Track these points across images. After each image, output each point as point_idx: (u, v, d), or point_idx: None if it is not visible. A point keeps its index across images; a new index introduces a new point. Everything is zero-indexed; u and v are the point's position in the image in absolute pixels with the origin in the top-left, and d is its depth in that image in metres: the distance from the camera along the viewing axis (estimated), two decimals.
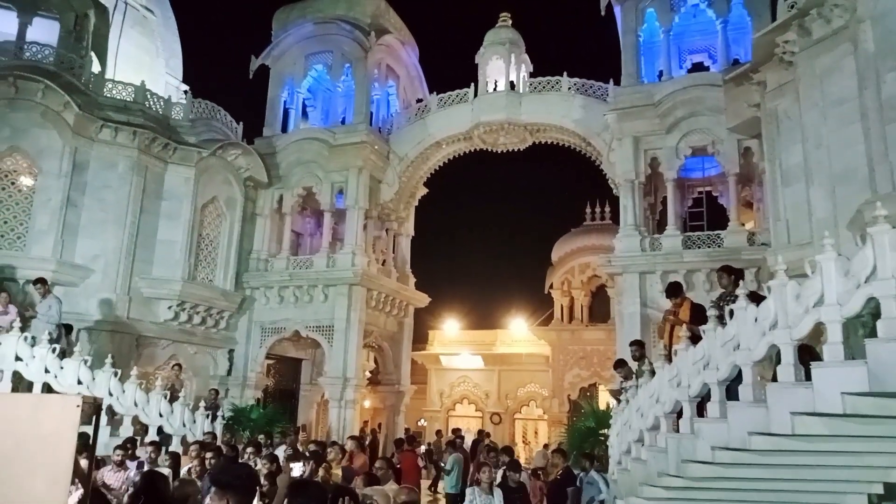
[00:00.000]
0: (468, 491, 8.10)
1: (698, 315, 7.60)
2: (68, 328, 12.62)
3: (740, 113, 13.76)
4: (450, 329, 30.74)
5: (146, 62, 20.14)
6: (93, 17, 17.37)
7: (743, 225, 15.34)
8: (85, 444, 3.67)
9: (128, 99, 16.05)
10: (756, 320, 5.64)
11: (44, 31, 16.33)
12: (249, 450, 9.39)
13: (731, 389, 6.01)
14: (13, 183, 14.44)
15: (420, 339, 27.40)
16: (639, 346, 10.25)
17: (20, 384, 11.10)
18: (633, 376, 9.28)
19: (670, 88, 15.32)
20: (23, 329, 11.41)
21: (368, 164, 18.43)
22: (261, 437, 12.17)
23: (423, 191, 21.11)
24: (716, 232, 15.03)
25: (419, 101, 20.45)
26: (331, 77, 19.63)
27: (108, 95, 15.96)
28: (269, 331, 18.22)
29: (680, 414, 6.70)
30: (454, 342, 30.23)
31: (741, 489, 6.40)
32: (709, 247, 14.66)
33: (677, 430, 6.68)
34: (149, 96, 16.45)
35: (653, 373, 7.57)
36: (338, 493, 3.78)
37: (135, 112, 15.84)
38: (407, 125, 19.43)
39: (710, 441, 5.83)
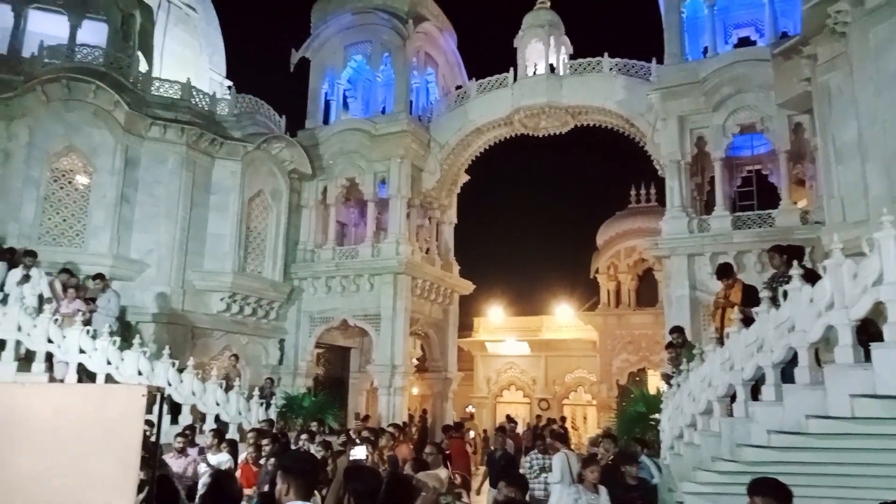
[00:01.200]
0: (572, 490, 7.59)
1: (750, 297, 7.43)
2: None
3: (790, 88, 13.30)
4: (495, 316, 30.75)
5: (190, 59, 20.59)
6: (138, 17, 17.85)
7: (795, 203, 14.87)
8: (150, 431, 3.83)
9: (174, 96, 16.45)
10: (811, 301, 5.51)
11: (93, 33, 16.85)
12: (304, 437, 9.61)
13: (786, 372, 5.89)
14: (70, 182, 14.99)
15: (465, 327, 27.50)
16: (679, 333, 10.10)
17: (84, 375, 11.59)
18: (682, 360, 9.14)
19: (716, 65, 14.92)
20: (84, 322, 11.89)
21: (410, 153, 18.51)
22: (313, 425, 12.42)
23: (465, 178, 21.10)
24: (767, 211, 14.62)
25: (458, 87, 20.39)
26: (370, 67, 19.73)
27: (156, 93, 16.39)
28: (317, 320, 18.55)
29: (733, 397, 6.60)
30: (500, 329, 30.24)
31: (798, 473, 6.26)
32: (759, 227, 14.28)
33: (731, 414, 6.59)
34: (194, 93, 16.83)
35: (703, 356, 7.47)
36: (392, 478, 3.86)
37: (182, 109, 16.23)
38: (447, 112, 19.41)
39: (766, 425, 5.73)
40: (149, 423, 3.63)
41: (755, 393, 6.43)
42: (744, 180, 16.99)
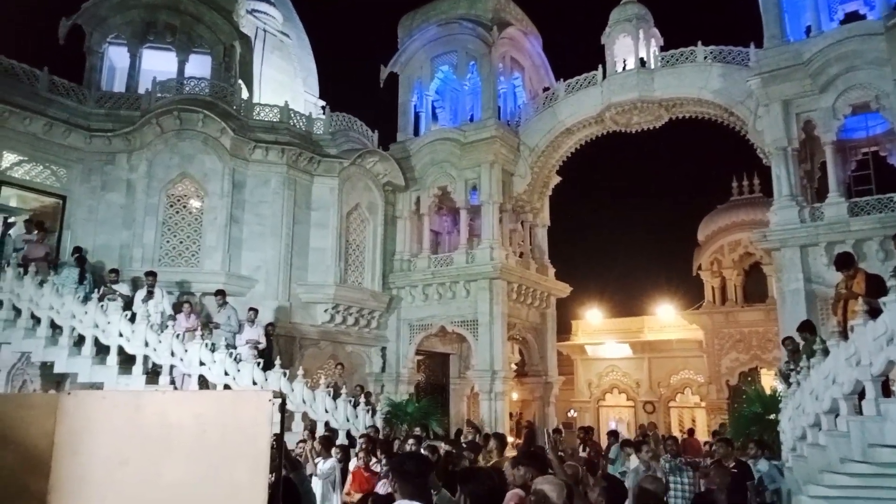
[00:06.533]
0: None
1: (875, 286, 6.95)
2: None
3: None
4: (593, 318, 30.18)
5: (286, 83, 21.58)
6: (238, 47, 18.91)
7: None
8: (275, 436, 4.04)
9: (274, 120, 17.25)
10: None
11: (199, 66, 18.03)
12: (410, 441, 9.81)
13: None
14: (184, 206, 16.03)
15: (564, 330, 27.11)
16: (807, 329, 9.57)
17: (204, 386, 12.33)
18: (803, 357, 8.64)
19: (821, 44, 14.06)
20: (203, 337, 12.67)
21: (500, 159, 18.54)
22: (417, 430, 12.65)
23: (557, 179, 20.88)
24: (887, 195, 13.60)
25: (546, 89, 20.23)
26: (457, 76, 19.95)
27: (257, 118, 17.22)
28: (416, 328, 18.87)
29: (861, 395, 6.18)
30: (599, 331, 29.66)
31: None
32: (880, 212, 13.30)
33: (860, 413, 6.17)
34: (292, 115, 17.58)
35: (826, 351, 7.04)
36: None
37: (281, 131, 17.01)
38: (535, 115, 19.31)
39: None
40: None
41: (886, 389, 6.01)
42: (859, 164, 15.93)
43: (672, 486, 8.16)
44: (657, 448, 10.95)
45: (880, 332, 5.84)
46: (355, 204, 18.02)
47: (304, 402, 12.59)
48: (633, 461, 9.48)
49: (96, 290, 13.10)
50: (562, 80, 19.02)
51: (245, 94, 18.52)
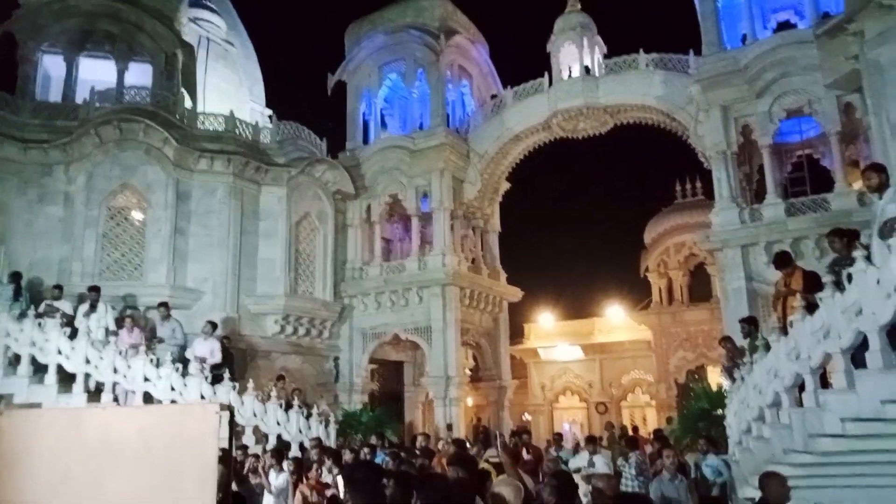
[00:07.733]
0: None
1: (812, 283, 7.21)
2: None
3: (837, 67, 12.94)
4: (545, 321, 30.47)
5: (231, 92, 21.17)
6: (181, 55, 18.47)
7: (851, 186, 14.39)
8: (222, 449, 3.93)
9: (219, 129, 16.92)
10: (878, 282, 5.31)
11: (139, 75, 17.54)
12: (365, 450, 9.71)
13: (856, 358, 5.69)
14: (126, 218, 15.56)
15: (516, 334, 27.33)
16: (750, 323, 9.86)
17: (150, 402, 11.93)
18: (746, 353, 8.91)
19: (757, 51, 14.62)
20: (147, 352, 12.27)
21: (450, 166, 18.61)
22: (373, 439, 12.54)
23: (506, 185, 21.10)
24: (821, 196, 14.22)
25: (494, 97, 20.44)
26: (405, 84, 19.97)
27: (202, 127, 16.86)
28: (369, 336, 18.74)
29: (802, 387, 6.40)
30: (551, 334, 29.95)
31: (877, 462, 6.03)
32: (815, 212, 13.89)
33: (801, 405, 6.39)
34: (238, 124, 17.27)
35: (767, 347, 7.26)
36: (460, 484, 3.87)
37: (227, 140, 16.68)
38: (484, 122, 19.48)
39: (839, 413, 5.54)
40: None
41: (824, 381, 6.24)
42: (794, 166, 16.60)
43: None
44: (614, 447, 11.15)
45: (817, 327, 6.05)
46: (305, 213, 17.80)
47: (254, 415, 12.31)
48: (598, 460, 9.59)
49: (33, 307, 12.56)
50: (509, 87, 19.25)
51: (189, 104, 18.09)
